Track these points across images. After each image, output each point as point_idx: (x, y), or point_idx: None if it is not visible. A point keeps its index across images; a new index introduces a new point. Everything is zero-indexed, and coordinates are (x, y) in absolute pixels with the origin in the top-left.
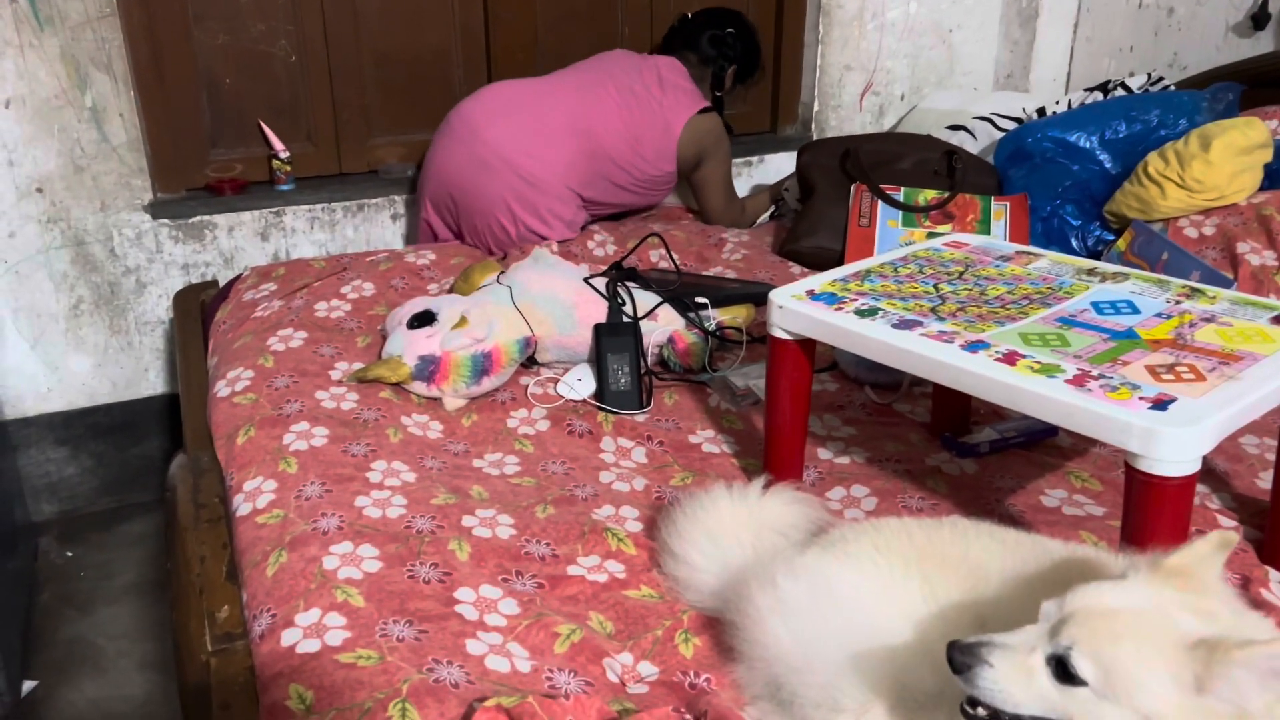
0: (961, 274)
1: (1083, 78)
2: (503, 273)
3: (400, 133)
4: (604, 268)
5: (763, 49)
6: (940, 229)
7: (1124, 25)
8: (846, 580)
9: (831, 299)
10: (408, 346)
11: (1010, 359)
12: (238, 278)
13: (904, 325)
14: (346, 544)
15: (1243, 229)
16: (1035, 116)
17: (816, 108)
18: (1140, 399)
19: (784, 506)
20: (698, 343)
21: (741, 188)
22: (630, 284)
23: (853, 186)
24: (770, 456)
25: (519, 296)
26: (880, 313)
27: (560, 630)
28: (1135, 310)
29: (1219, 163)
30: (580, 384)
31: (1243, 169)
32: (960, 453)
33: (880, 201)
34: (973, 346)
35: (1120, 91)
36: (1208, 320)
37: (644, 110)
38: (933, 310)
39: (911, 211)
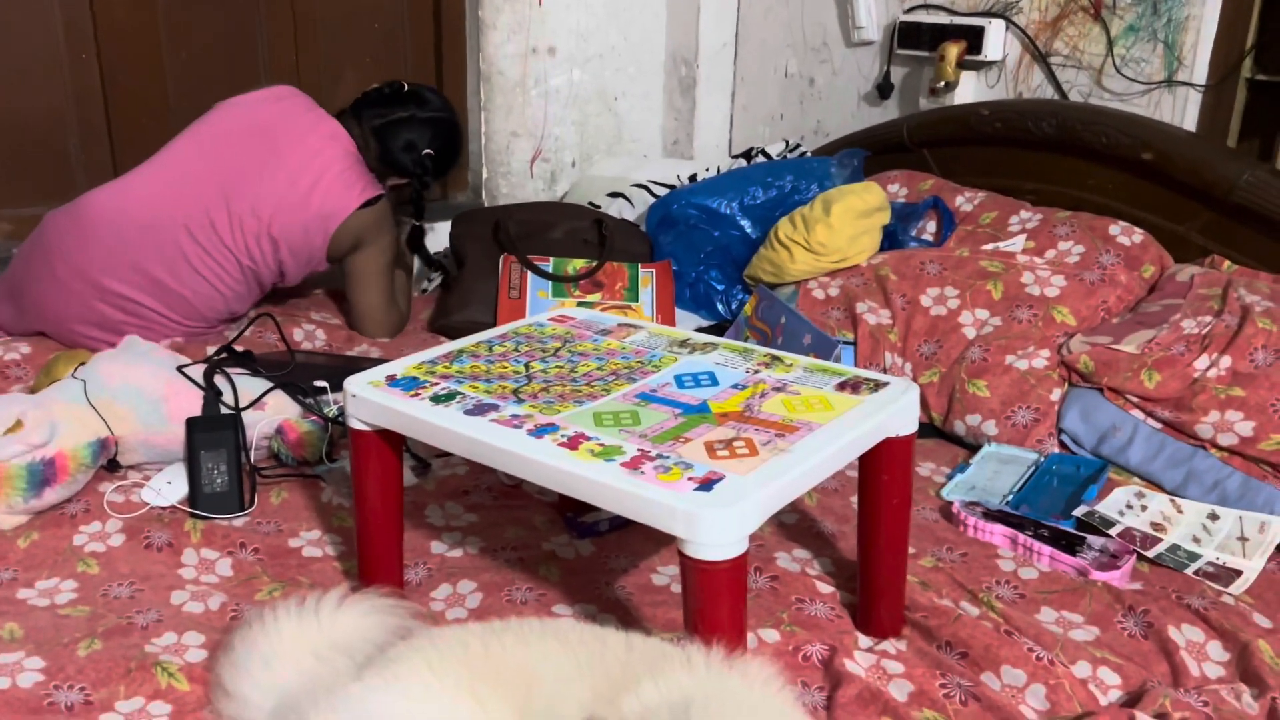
0: (557, 350)
1: (743, 144)
2: (82, 364)
3: (5, 206)
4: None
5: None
6: (590, 298)
7: (774, 94)
8: (392, 711)
9: (411, 384)
10: None
11: (574, 443)
12: None
13: (478, 410)
14: None
15: (863, 289)
16: (688, 183)
17: (486, 175)
18: (690, 479)
19: (360, 619)
20: (313, 431)
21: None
22: (238, 370)
23: (502, 258)
24: (363, 561)
25: (94, 392)
26: (458, 397)
27: None
28: (714, 382)
29: (839, 226)
30: (169, 487)
31: (862, 231)
32: (580, 533)
33: (530, 272)
34: (541, 430)
35: (761, 159)
36: (778, 389)
37: (293, 198)
38: (515, 392)
39: (560, 281)
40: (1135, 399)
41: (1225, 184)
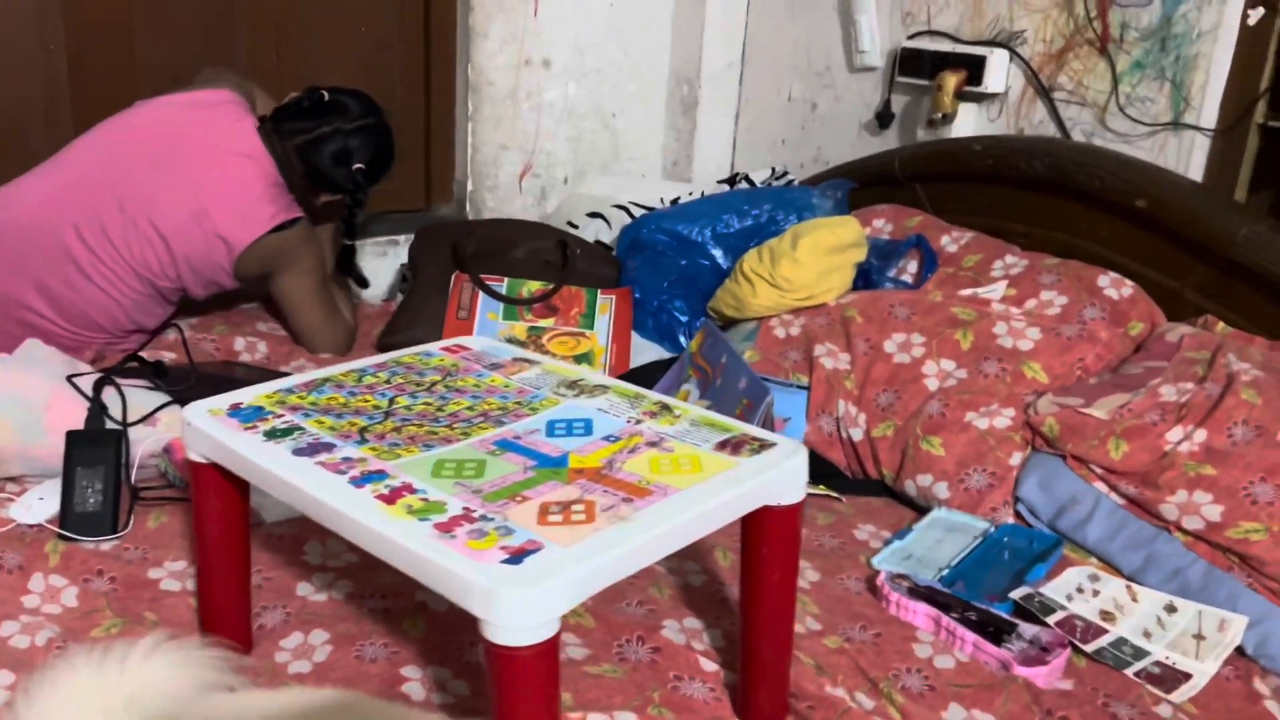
0: (433, 385)
1: (747, 169)
2: None
3: None
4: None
5: (394, 153)
6: (543, 322)
7: (778, 118)
8: None
9: (254, 415)
10: None
11: (394, 496)
12: None
13: (310, 450)
14: None
15: (825, 330)
16: (670, 206)
17: (471, 187)
18: (502, 548)
19: (168, 673)
20: None
21: (388, 267)
22: (134, 382)
23: (454, 275)
24: (204, 605)
25: None
26: (296, 434)
27: None
28: (588, 431)
29: (806, 261)
30: (40, 504)
31: (831, 268)
32: None
33: (481, 292)
34: (366, 479)
35: (745, 185)
36: (653, 444)
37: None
38: (363, 431)
39: (513, 304)
40: (1099, 470)
41: (1223, 238)
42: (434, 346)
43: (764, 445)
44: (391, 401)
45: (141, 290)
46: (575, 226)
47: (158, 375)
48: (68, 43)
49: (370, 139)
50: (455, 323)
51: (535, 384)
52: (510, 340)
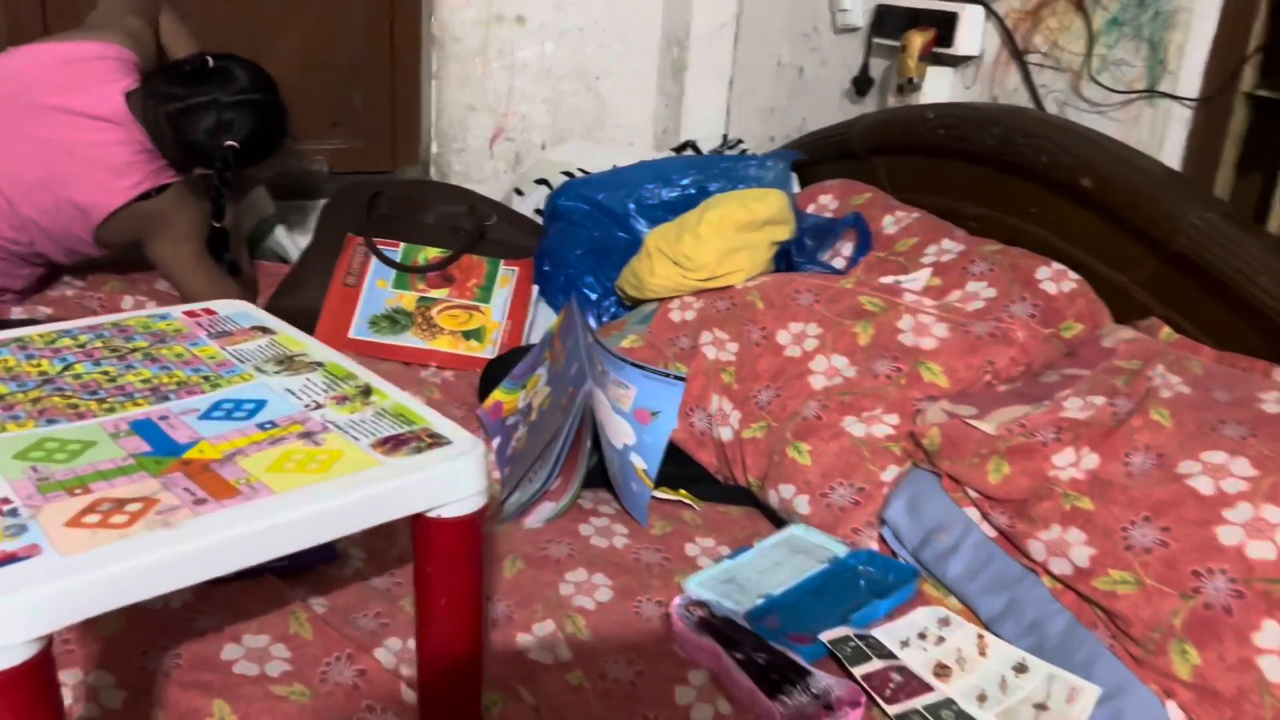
0: (132, 351)
1: (742, 138)
2: None
3: None
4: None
5: (286, 128)
6: (436, 293)
7: (768, 84)
8: None
9: None
10: None
11: None
12: None
13: None
14: None
15: (722, 316)
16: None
17: (436, 150)
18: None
19: None
20: None
21: None
22: None
23: (347, 237)
24: None
25: None
26: None
27: None
28: (252, 414)
29: (708, 238)
30: None
31: (739, 246)
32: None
33: (374, 258)
34: None
35: (691, 153)
36: (307, 435)
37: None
38: (3, 399)
39: (405, 271)
40: (974, 493)
41: (1168, 225)
42: (178, 309)
43: (433, 443)
44: (67, 368)
45: None
46: (521, 194)
47: None
48: None
49: (251, 115)
50: (340, 290)
51: (246, 356)
52: (397, 312)
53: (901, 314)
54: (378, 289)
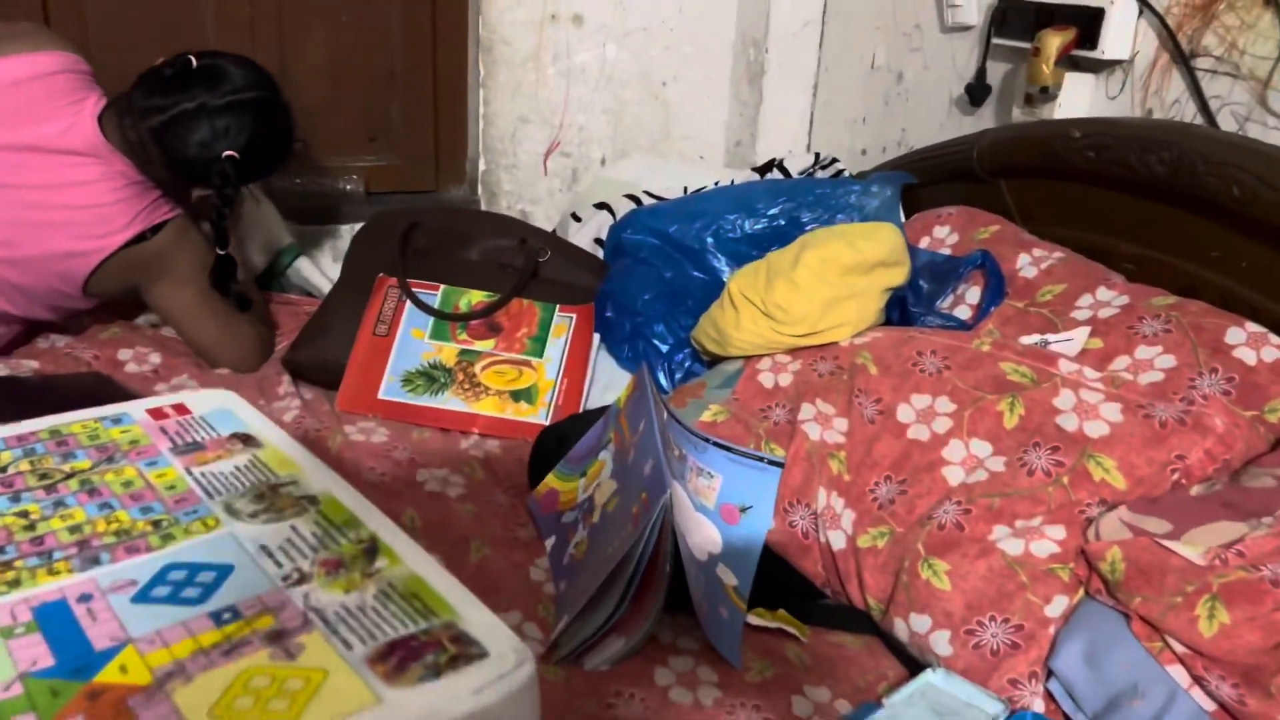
0: (68, 478)
1: (827, 150)
2: None
3: None
4: None
5: (292, 138)
6: (480, 345)
7: (859, 91)
8: None
9: None
10: None
11: None
12: None
13: None
14: None
15: (825, 381)
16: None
17: (484, 166)
18: None
19: None
20: None
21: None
22: None
23: (378, 278)
24: None
25: None
26: None
27: None
28: (205, 595)
29: (806, 285)
30: None
31: (844, 294)
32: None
33: (409, 302)
34: None
35: (778, 175)
36: (276, 638)
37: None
38: None
39: (445, 319)
40: (1180, 647)
41: None
42: (140, 407)
43: (460, 655)
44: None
45: None
46: (578, 220)
47: None
48: None
49: (248, 118)
50: (370, 341)
51: (217, 486)
52: (435, 367)
53: (1058, 388)
54: (412, 340)
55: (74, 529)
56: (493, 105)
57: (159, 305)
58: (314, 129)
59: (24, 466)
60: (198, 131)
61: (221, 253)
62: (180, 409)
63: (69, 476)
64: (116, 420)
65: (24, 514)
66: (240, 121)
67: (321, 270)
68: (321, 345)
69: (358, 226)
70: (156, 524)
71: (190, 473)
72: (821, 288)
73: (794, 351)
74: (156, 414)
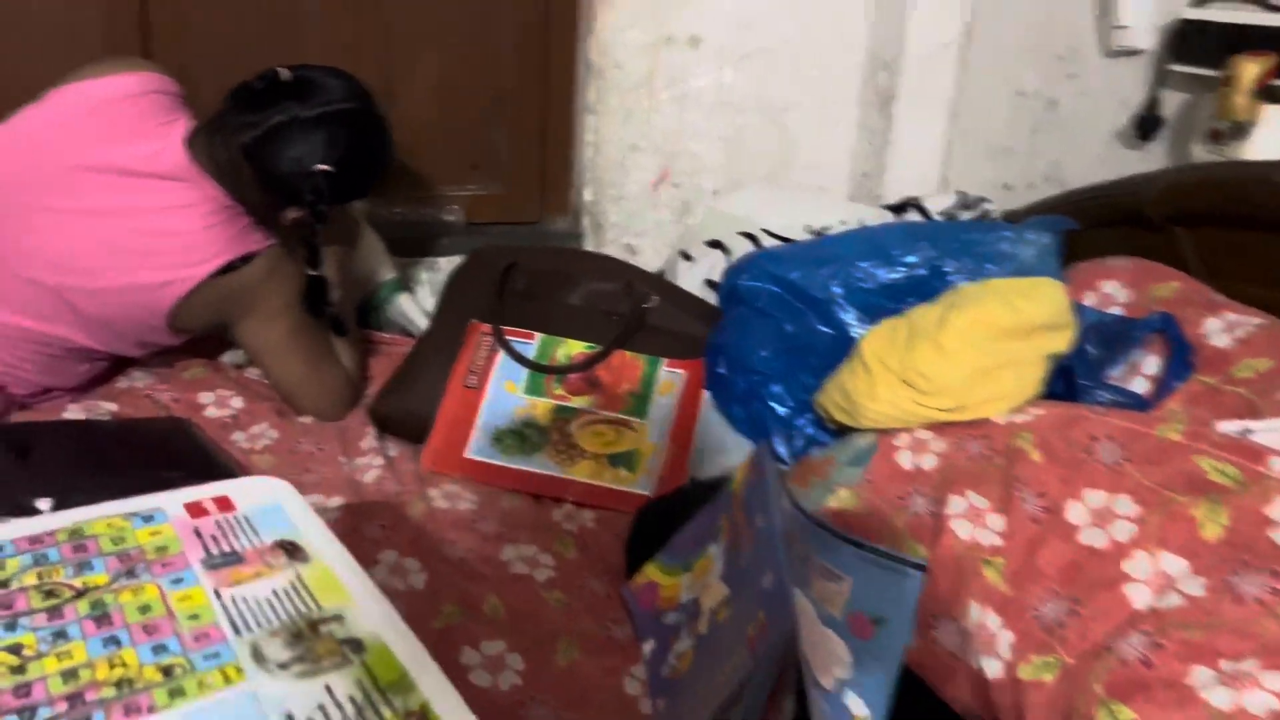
0: (75, 599)
1: (965, 184)
2: None
3: None
4: None
5: (388, 154)
6: (578, 401)
7: (1003, 119)
8: None
9: None
10: None
11: None
12: None
13: None
14: None
15: (976, 466)
16: (816, 237)
17: (590, 196)
18: None
19: None
20: None
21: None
22: None
23: (470, 324)
24: None
25: None
26: None
27: None
28: None
29: (955, 350)
30: None
31: (998, 363)
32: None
33: (502, 351)
34: None
35: (915, 215)
36: None
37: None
38: None
39: (540, 372)
40: None
41: None
42: (177, 501)
43: None
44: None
45: (35, 348)
46: (689, 258)
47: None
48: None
49: (340, 130)
50: (459, 393)
51: (246, 619)
52: (528, 425)
53: (1270, 495)
54: (505, 393)
55: (68, 675)
56: (602, 132)
57: (245, 341)
58: (417, 156)
59: (30, 580)
60: (290, 146)
61: (313, 273)
62: (223, 503)
63: (79, 595)
64: (148, 518)
65: (16, 648)
66: (333, 134)
67: (421, 307)
68: (409, 396)
69: (457, 260)
70: (167, 671)
71: (219, 596)
72: (972, 354)
73: (938, 427)
74: (194, 509)
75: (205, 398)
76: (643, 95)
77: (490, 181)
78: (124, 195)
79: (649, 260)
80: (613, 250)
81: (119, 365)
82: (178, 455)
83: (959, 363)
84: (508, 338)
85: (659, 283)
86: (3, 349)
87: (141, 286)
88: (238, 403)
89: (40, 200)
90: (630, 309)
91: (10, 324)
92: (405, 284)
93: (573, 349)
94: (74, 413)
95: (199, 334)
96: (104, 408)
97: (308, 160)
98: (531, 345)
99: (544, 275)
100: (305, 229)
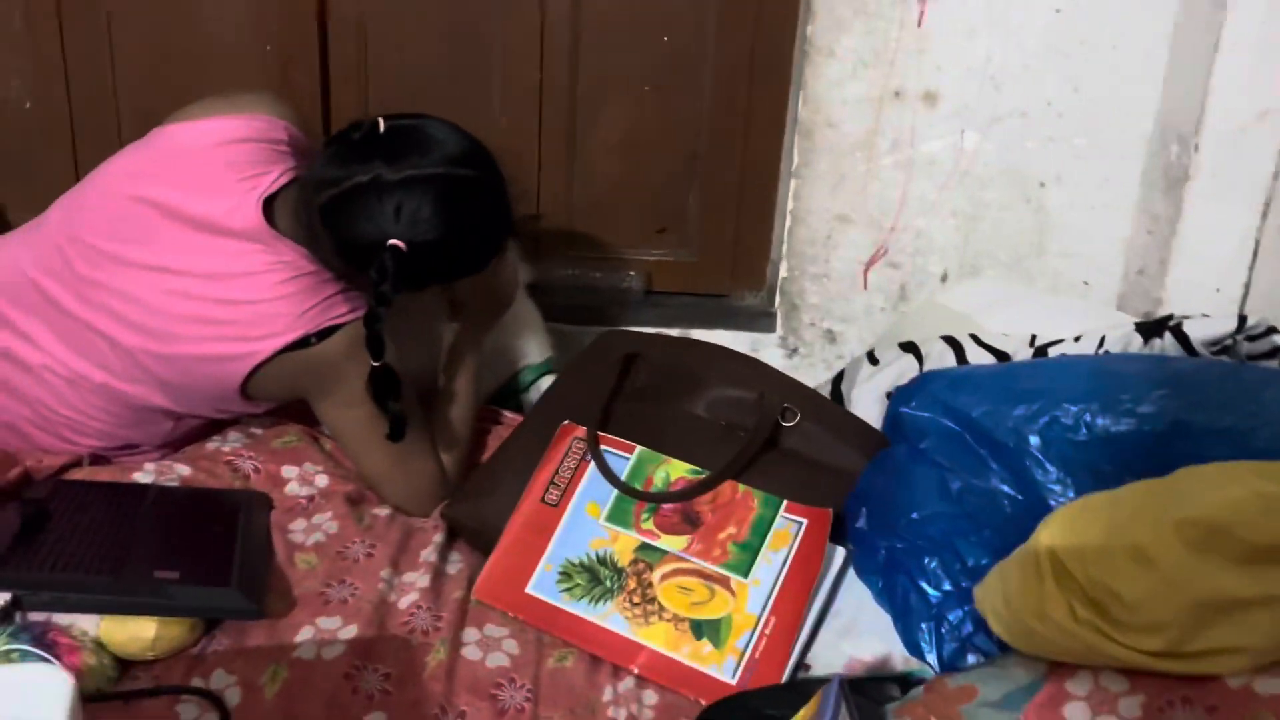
0: None
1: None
2: None
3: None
4: None
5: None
6: (668, 540)
7: None
8: None
9: None
10: None
11: None
12: None
13: None
14: None
15: None
16: (1032, 354)
17: (786, 273)
18: None
19: None
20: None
21: None
22: None
23: (563, 425)
24: None
25: None
26: None
27: None
28: None
29: (1173, 567)
30: None
31: (1243, 596)
32: None
33: (592, 462)
34: None
35: (1168, 341)
36: None
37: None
38: None
39: (631, 497)
40: None
41: None
42: None
43: None
44: None
45: (111, 402)
46: (876, 362)
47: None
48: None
49: (426, 200)
50: (536, 509)
51: None
52: (604, 562)
53: None
54: (585, 517)
55: None
56: (805, 200)
57: (326, 422)
58: (597, 214)
59: None
60: (365, 212)
61: (376, 364)
62: None
63: None
64: None
65: None
66: (416, 204)
67: None
68: (484, 502)
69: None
70: None
71: None
72: (1201, 577)
73: (1137, 675)
74: None
75: (289, 471)
76: (859, 159)
77: (677, 248)
78: (195, 254)
79: (854, 349)
80: (810, 336)
81: (215, 423)
82: (195, 550)
83: (1178, 588)
84: (602, 447)
85: (805, 394)
86: (74, 397)
87: (208, 358)
88: (322, 481)
89: (111, 245)
90: (758, 424)
91: (89, 377)
92: (559, 367)
93: (674, 471)
94: (146, 474)
95: (284, 403)
96: (177, 471)
97: (383, 231)
98: (627, 461)
99: (670, 372)
100: (368, 315)
